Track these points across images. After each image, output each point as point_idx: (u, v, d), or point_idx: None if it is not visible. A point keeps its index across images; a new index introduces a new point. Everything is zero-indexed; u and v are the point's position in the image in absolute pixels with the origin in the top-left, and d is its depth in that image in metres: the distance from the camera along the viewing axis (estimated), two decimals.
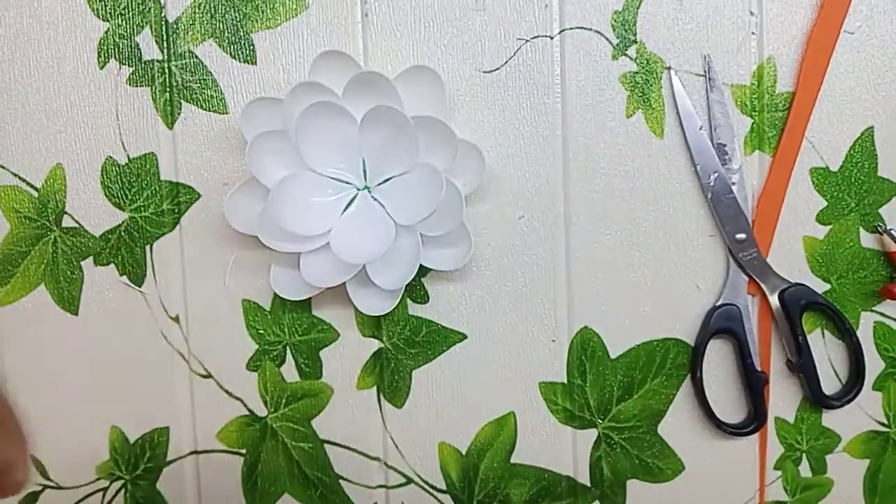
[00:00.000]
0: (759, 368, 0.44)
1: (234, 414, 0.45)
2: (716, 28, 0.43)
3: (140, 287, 0.44)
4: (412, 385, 0.44)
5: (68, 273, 0.44)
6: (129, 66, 0.43)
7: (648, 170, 0.43)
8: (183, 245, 0.44)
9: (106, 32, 0.43)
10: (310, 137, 0.39)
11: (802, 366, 0.43)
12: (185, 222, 0.44)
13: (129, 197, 0.43)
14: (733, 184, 0.43)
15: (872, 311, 0.45)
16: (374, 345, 0.44)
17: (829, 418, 0.45)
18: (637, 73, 0.43)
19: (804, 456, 0.45)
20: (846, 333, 0.44)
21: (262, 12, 0.43)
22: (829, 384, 0.45)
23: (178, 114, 0.43)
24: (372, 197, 0.41)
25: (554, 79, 0.43)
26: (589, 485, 0.45)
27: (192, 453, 0.45)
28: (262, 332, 0.44)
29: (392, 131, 0.39)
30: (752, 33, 0.43)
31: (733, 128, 0.43)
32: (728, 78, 0.43)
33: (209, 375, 0.44)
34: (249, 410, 0.45)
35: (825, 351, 0.45)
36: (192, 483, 0.45)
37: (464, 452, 0.45)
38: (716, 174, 0.43)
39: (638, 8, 0.43)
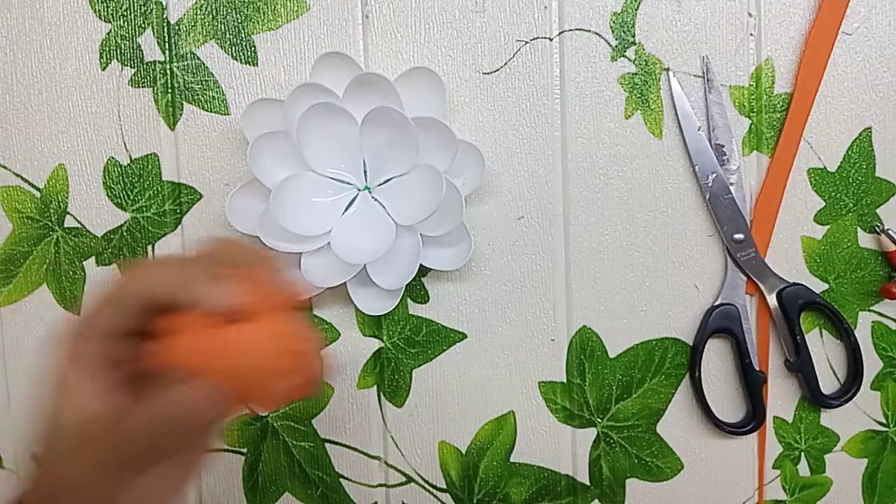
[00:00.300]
0: (757, 368, 0.44)
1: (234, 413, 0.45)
2: (714, 29, 0.43)
3: None
4: (412, 384, 0.45)
5: (70, 273, 0.44)
6: (131, 67, 0.43)
7: (647, 170, 0.44)
8: (184, 245, 0.44)
9: (108, 34, 0.43)
10: (311, 138, 0.39)
11: (801, 365, 0.44)
12: (186, 222, 0.44)
13: (131, 197, 0.44)
14: (731, 184, 0.43)
15: (870, 310, 0.45)
16: (375, 344, 0.44)
17: (828, 418, 0.45)
18: (636, 74, 0.43)
19: (803, 455, 0.45)
20: (844, 333, 0.44)
21: (264, 14, 0.43)
22: (828, 384, 0.45)
23: (180, 115, 0.43)
24: (372, 197, 0.41)
25: (553, 80, 0.43)
26: (588, 483, 0.45)
27: None
28: None
29: (392, 132, 0.39)
30: (751, 35, 0.43)
31: (731, 128, 0.43)
32: (726, 79, 0.43)
33: None
34: (250, 410, 0.45)
35: (823, 350, 0.45)
36: (192, 482, 0.45)
37: (464, 451, 0.45)
38: (714, 175, 0.43)
39: (637, 9, 0.43)
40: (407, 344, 0.44)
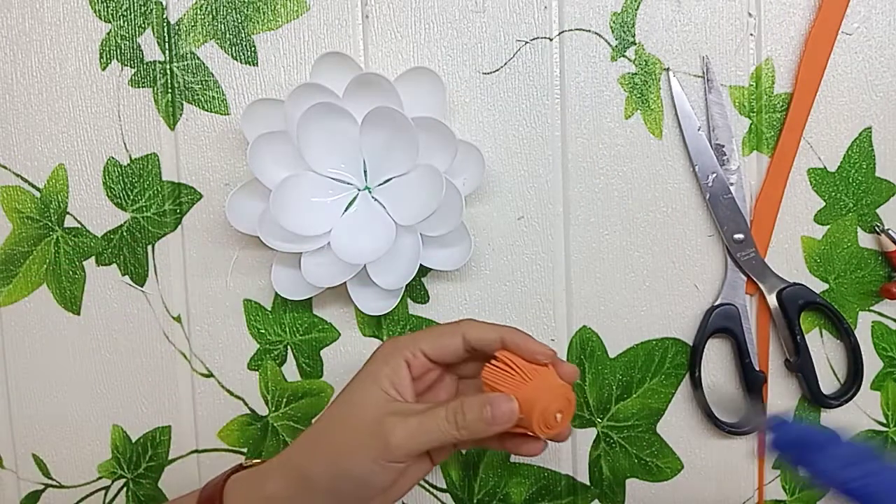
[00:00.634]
0: (757, 368, 0.44)
1: (235, 413, 0.45)
2: (714, 29, 0.43)
3: (142, 287, 0.44)
4: None
5: (70, 273, 0.44)
6: (130, 67, 0.43)
7: (647, 170, 0.44)
8: (185, 245, 0.44)
9: (108, 34, 0.43)
10: (311, 138, 0.39)
11: (801, 365, 0.44)
12: (186, 222, 0.44)
13: (131, 197, 0.44)
14: (731, 184, 0.43)
15: (870, 310, 0.45)
16: (375, 344, 0.44)
17: (828, 418, 0.45)
18: (636, 74, 0.43)
19: None
20: (844, 333, 0.44)
21: (264, 14, 0.43)
22: (828, 384, 0.45)
23: (180, 115, 0.43)
24: (372, 197, 0.41)
25: (553, 80, 0.43)
26: (588, 483, 0.45)
27: (193, 452, 0.45)
28: (263, 331, 0.44)
29: (392, 132, 0.39)
30: (751, 35, 0.43)
31: (731, 128, 0.43)
32: (726, 79, 0.43)
33: (211, 375, 0.45)
34: (251, 409, 0.45)
35: (823, 350, 0.45)
36: (193, 482, 0.45)
37: (464, 451, 0.45)
38: (714, 175, 0.43)
39: (636, 10, 0.43)
40: None
